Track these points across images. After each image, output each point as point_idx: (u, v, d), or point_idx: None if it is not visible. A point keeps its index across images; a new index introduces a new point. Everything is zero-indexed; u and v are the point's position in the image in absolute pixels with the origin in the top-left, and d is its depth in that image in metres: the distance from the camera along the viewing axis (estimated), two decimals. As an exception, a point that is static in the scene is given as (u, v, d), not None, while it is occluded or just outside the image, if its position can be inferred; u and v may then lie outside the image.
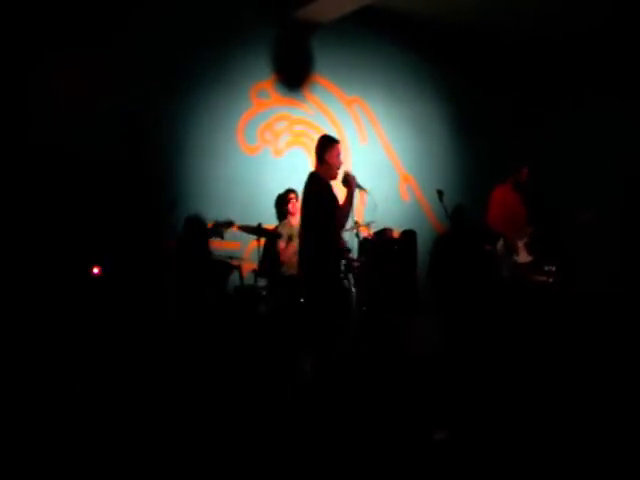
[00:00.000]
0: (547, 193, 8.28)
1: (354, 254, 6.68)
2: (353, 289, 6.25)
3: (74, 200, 5.70)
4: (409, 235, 7.10)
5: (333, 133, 7.40)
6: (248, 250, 6.47)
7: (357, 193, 5.26)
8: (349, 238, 6.67)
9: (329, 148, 5.12)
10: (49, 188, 5.64)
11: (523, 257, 7.07)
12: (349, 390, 5.20)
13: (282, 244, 6.49)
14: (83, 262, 5.55)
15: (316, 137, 7.16)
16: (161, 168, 6.24)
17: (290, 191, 6.76)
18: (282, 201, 6.80)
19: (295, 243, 6.56)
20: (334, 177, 5.14)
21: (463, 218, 7.80)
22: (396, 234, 6.95)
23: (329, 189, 5.06)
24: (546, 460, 3.96)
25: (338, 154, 5.15)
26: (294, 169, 7.13)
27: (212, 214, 6.25)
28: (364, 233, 6.75)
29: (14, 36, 5.56)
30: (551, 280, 6.99)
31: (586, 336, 6.48)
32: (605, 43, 8.19)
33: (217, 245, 6.19)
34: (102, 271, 5.53)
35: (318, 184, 5.05)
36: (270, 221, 6.67)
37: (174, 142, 6.36)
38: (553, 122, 8.83)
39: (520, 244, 7.08)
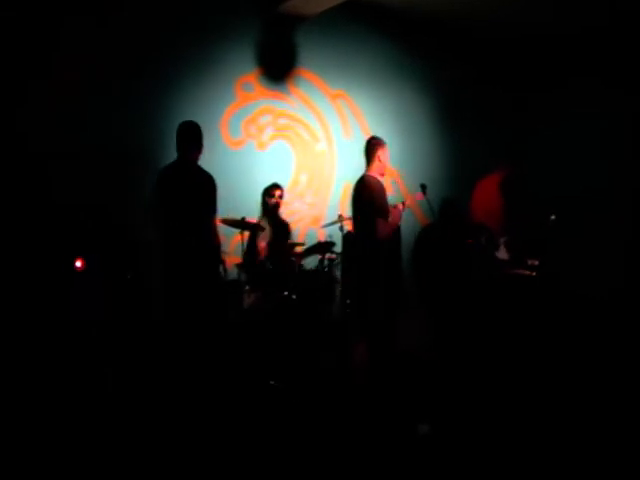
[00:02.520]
0: (531, 190, 8.32)
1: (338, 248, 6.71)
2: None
3: (57, 192, 5.67)
4: (393, 229, 7.09)
5: (317, 127, 7.44)
6: (232, 244, 6.45)
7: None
8: (333, 232, 6.70)
9: (380, 148, 5.64)
10: (30, 181, 5.61)
11: (502, 254, 7.13)
12: (334, 386, 5.23)
13: (262, 242, 6.49)
14: (66, 255, 5.52)
15: (300, 131, 7.27)
16: (145, 162, 6.21)
17: (276, 187, 6.74)
18: (266, 195, 6.79)
19: (277, 237, 6.58)
20: (384, 174, 5.71)
21: (452, 212, 7.84)
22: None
23: (381, 188, 5.50)
24: (529, 454, 4.00)
25: (387, 155, 5.69)
26: (278, 163, 7.14)
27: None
28: (348, 227, 6.75)
29: None
30: (534, 274, 7.03)
31: (566, 331, 6.54)
32: (593, 37, 8.22)
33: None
34: (85, 264, 5.50)
35: (370, 184, 5.51)
36: (254, 215, 6.65)
37: (157, 135, 6.32)
38: (540, 116, 8.87)
39: (501, 241, 7.13)
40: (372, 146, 5.70)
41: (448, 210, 7.82)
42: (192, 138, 5.29)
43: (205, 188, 5.15)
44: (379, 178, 5.62)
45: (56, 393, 4.70)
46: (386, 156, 5.71)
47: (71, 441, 4.06)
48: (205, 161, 6.49)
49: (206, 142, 6.52)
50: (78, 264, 5.42)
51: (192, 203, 5.08)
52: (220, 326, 5.20)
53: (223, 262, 5.96)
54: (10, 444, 3.97)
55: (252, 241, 6.60)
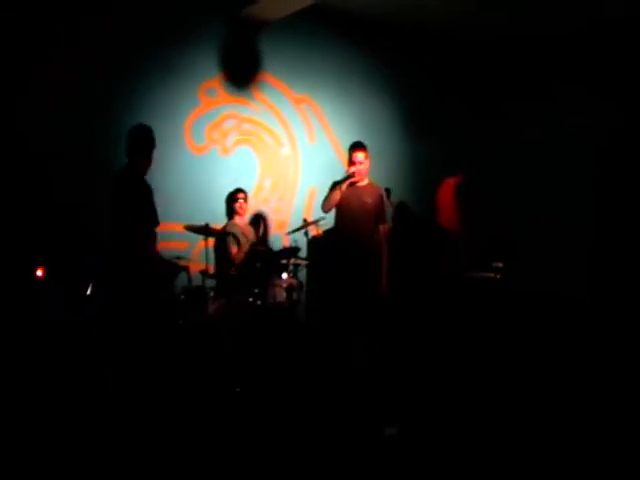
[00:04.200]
0: (495, 194, 8.39)
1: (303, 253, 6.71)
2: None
3: (16, 199, 5.58)
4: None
5: (281, 132, 7.43)
6: (196, 250, 6.41)
7: None
8: (298, 237, 6.69)
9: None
10: (29, 181, 5.60)
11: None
12: (301, 388, 5.22)
13: (234, 248, 6.46)
14: (26, 264, 5.42)
15: (264, 136, 7.25)
16: (108, 168, 6.13)
17: (239, 190, 6.73)
18: (230, 200, 6.76)
19: (243, 243, 6.54)
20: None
21: (407, 215, 7.92)
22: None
23: None
24: (495, 455, 4.04)
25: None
26: (242, 168, 7.11)
27: (160, 214, 6.19)
28: (313, 232, 6.75)
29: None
30: (498, 277, 7.10)
31: (528, 333, 6.62)
32: (559, 41, 8.32)
33: (164, 245, 6.12)
34: (46, 273, 5.41)
35: None
36: (218, 221, 6.61)
37: (119, 141, 6.25)
38: (509, 119, 8.94)
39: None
40: None
41: (406, 213, 7.90)
42: (133, 144, 5.18)
43: (137, 198, 4.98)
44: None
45: (56, 393, 4.65)
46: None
47: (71, 441, 4.04)
48: (168, 166, 6.49)
49: (169, 147, 6.53)
50: (39, 273, 5.33)
51: (123, 214, 4.97)
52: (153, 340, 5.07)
53: (187, 269, 5.92)
54: (10, 444, 3.94)
55: (219, 247, 6.56)
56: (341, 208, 6.13)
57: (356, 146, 6.16)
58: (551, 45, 8.44)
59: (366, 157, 6.12)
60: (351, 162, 6.13)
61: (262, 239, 7.07)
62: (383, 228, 6.15)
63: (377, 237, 6.10)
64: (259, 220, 7.18)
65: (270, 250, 6.82)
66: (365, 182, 6.20)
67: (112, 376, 4.85)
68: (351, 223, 6.07)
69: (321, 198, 6.29)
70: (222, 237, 6.47)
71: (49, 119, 5.77)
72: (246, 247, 6.54)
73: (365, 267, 5.98)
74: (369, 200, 6.08)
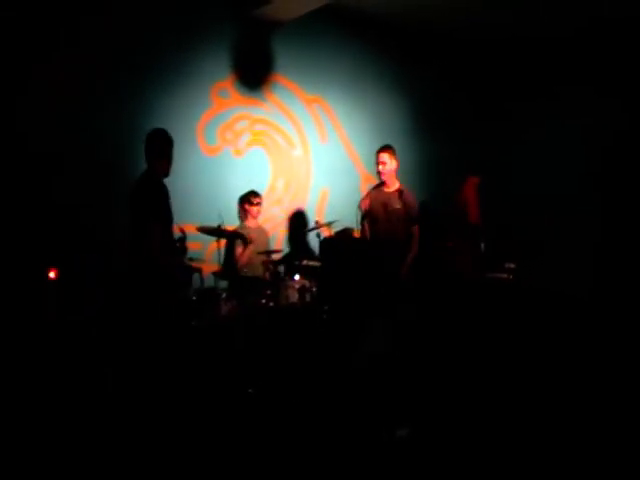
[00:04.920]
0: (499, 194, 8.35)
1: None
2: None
3: (28, 200, 5.59)
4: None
5: (293, 133, 7.42)
6: (209, 252, 6.42)
7: None
8: (310, 238, 6.69)
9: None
10: (30, 181, 5.58)
11: None
12: (309, 389, 5.22)
13: (239, 248, 6.47)
14: (39, 265, 5.44)
15: (276, 137, 7.25)
16: (121, 170, 6.14)
17: (256, 195, 6.70)
18: (245, 202, 6.75)
19: (251, 247, 6.53)
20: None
21: (426, 214, 7.90)
22: (357, 234, 6.94)
23: None
24: (504, 456, 4.02)
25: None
26: (255, 169, 7.11)
27: (173, 214, 6.20)
28: (325, 233, 6.74)
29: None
30: (511, 277, 7.07)
31: (539, 334, 6.59)
32: (563, 41, 8.30)
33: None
34: (59, 275, 5.43)
35: None
36: (231, 222, 6.62)
37: (133, 143, 6.26)
38: (515, 119, 8.91)
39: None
40: None
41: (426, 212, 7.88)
42: (148, 148, 5.18)
43: (155, 202, 4.97)
44: None
45: (56, 393, 4.65)
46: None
47: (71, 441, 4.05)
48: (181, 168, 6.48)
49: (182, 148, 6.52)
50: (52, 275, 5.34)
51: (135, 217, 4.97)
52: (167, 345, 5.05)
53: (200, 270, 5.93)
54: (11, 444, 3.95)
55: (230, 249, 6.57)
56: (372, 217, 6.28)
57: (380, 148, 6.37)
58: (555, 45, 8.43)
59: (390, 157, 6.24)
60: (376, 163, 6.32)
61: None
62: (415, 230, 6.30)
63: (409, 240, 6.24)
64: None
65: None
66: (396, 187, 6.24)
67: (112, 376, 4.86)
68: (382, 231, 6.20)
69: (333, 199, 6.32)
70: (233, 239, 6.48)
71: (49, 119, 5.75)
72: (253, 250, 6.53)
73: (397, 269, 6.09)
74: (398, 205, 6.17)
